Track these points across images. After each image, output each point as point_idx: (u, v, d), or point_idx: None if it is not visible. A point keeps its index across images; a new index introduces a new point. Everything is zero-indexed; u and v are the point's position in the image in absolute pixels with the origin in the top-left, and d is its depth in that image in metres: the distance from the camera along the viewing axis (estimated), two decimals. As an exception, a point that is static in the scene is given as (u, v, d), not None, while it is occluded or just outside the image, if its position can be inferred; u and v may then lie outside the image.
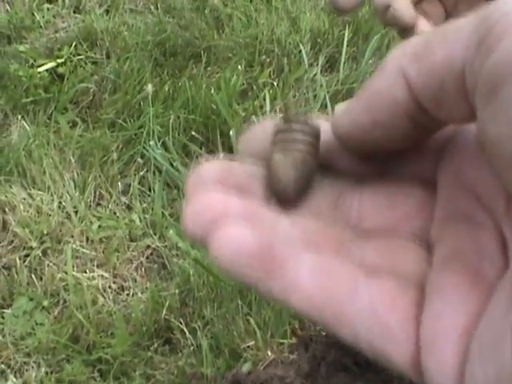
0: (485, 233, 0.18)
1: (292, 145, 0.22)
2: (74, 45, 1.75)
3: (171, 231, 1.34)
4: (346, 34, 1.78)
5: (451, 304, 0.18)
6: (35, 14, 1.85)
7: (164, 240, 1.38)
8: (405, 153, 0.22)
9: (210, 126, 1.57)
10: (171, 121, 1.55)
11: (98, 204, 1.45)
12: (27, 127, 1.56)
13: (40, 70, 1.68)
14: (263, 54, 1.76)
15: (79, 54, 1.75)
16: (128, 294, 1.31)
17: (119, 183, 1.47)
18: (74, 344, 1.21)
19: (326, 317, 0.18)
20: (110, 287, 1.31)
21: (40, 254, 1.34)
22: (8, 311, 1.26)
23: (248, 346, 1.18)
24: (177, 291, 1.27)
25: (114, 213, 1.42)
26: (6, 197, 1.41)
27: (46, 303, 1.26)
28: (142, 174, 1.49)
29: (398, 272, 0.19)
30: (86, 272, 1.32)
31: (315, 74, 1.71)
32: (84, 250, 1.35)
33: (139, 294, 1.29)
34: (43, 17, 1.85)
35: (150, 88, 1.61)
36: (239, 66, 1.70)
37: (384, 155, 0.22)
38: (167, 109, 1.60)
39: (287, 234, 0.20)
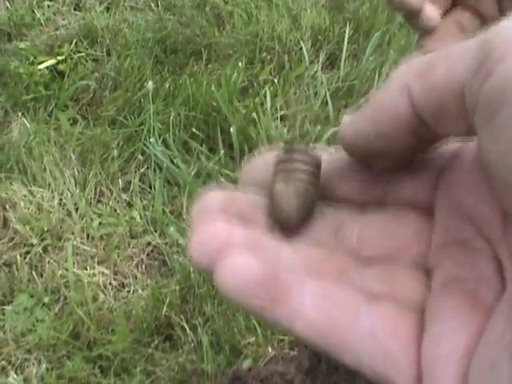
0: (482, 258, 0.19)
1: (294, 174, 0.23)
2: (74, 42, 1.75)
3: (172, 228, 1.34)
4: (347, 31, 1.78)
5: (451, 327, 0.18)
6: (35, 12, 1.85)
7: (164, 237, 1.38)
8: (403, 178, 0.22)
9: (211, 123, 1.56)
10: (172, 118, 1.55)
11: (99, 201, 1.45)
12: (28, 124, 1.56)
13: (40, 67, 1.68)
14: (264, 51, 1.76)
15: (80, 52, 1.75)
16: (128, 291, 1.31)
17: (120, 180, 1.47)
18: (74, 340, 1.21)
19: (330, 344, 0.19)
20: (110, 284, 1.31)
21: (41, 251, 1.34)
22: (9, 308, 1.26)
23: (248, 343, 1.18)
24: (177, 288, 1.27)
25: (115, 210, 1.43)
26: (7, 194, 1.41)
27: (46, 300, 1.27)
28: (142, 171, 1.49)
29: (399, 298, 0.20)
30: (86, 269, 1.32)
31: (316, 71, 1.71)
32: (84, 247, 1.35)
33: (140, 291, 1.29)
34: (43, 14, 1.85)
35: (150, 85, 1.61)
36: (240, 63, 1.70)
37: (386, 167, 0.22)
38: (168, 106, 1.60)
39: (290, 262, 0.21)
